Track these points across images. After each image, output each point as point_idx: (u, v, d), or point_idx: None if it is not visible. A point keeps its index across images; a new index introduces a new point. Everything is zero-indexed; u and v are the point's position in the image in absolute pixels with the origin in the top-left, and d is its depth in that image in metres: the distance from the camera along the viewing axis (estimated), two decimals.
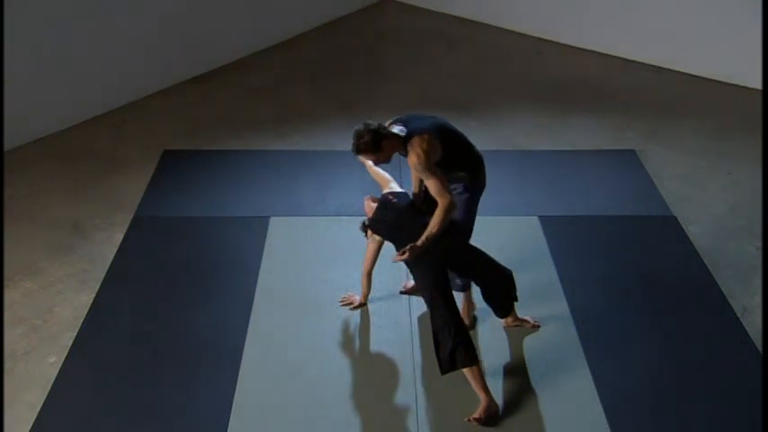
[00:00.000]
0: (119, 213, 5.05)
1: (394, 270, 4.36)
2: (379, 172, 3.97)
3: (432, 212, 3.58)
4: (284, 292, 4.35)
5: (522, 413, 3.60)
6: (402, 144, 3.56)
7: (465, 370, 3.52)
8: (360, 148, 3.57)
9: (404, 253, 3.55)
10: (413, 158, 3.50)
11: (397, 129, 3.57)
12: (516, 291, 3.88)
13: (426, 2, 8.67)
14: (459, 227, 3.78)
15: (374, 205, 3.87)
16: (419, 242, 3.53)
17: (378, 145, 3.54)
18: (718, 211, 5.16)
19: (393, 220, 3.78)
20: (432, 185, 3.51)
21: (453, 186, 3.68)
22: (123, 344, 4.00)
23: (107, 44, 6.15)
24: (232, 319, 4.14)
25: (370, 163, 3.91)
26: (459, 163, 3.70)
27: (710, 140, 6.04)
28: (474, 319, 4.09)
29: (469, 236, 3.88)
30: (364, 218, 3.96)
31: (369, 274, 4.12)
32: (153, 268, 4.53)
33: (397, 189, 3.93)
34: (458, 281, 3.92)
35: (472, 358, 3.51)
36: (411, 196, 3.93)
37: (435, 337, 3.53)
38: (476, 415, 3.50)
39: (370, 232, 3.90)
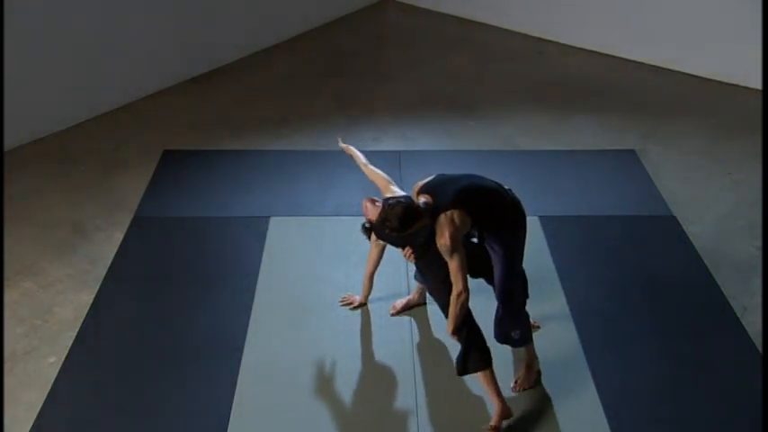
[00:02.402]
0: (119, 213, 5.05)
1: (395, 270, 4.36)
2: (377, 172, 3.83)
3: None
4: (284, 292, 4.36)
5: (521, 413, 3.60)
6: (430, 219, 3.37)
7: (478, 374, 3.50)
8: (383, 228, 3.40)
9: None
10: (440, 241, 3.34)
11: (422, 200, 3.41)
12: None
13: (426, 2, 8.67)
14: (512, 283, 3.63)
15: (371, 207, 3.73)
16: (450, 327, 3.44)
17: (403, 232, 3.36)
18: (719, 211, 5.16)
19: None
20: (451, 267, 3.37)
21: (491, 245, 3.57)
22: (123, 344, 4.00)
23: (107, 44, 6.14)
24: (232, 319, 4.14)
25: (364, 161, 3.86)
26: (494, 217, 3.52)
27: (711, 140, 6.04)
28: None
29: (525, 290, 3.74)
30: (364, 220, 3.90)
31: (371, 277, 4.11)
32: (153, 268, 4.53)
33: (399, 192, 3.74)
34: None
35: (486, 362, 3.49)
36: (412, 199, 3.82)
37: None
38: (492, 423, 3.48)
39: (373, 236, 3.83)
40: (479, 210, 3.44)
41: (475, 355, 3.48)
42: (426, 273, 3.69)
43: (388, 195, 3.64)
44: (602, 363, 3.88)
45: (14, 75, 5.45)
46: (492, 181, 3.60)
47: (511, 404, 3.61)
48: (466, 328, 3.47)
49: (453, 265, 3.35)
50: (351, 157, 3.99)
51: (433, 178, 3.55)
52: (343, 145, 4.08)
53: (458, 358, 3.53)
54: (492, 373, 3.52)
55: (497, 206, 3.53)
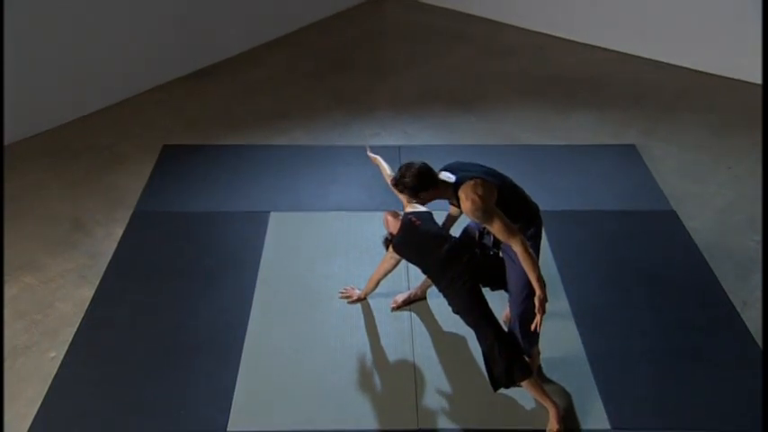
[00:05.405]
0: (119, 209, 5.05)
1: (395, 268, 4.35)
2: None
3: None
4: (284, 286, 4.36)
5: (521, 411, 3.61)
6: (452, 191, 3.29)
7: (524, 382, 3.46)
8: (397, 185, 3.36)
9: (541, 307, 3.24)
10: (467, 205, 3.20)
11: (445, 176, 3.34)
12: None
13: None
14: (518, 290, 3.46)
15: (392, 220, 3.72)
16: (538, 293, 3.20)
17: (416, 193, 3.32)
18: (719, 205, 5.16)
19: (418, 245, 3.64)
20: (496, 230, 3.18)
21: (507, 253, 3.43)
22: (123, 339, 4.00)
23: (106, 40, 6.14)
24: (232, 315, 4.15)
25: (389, 173, 3.82)
26: (514, 211, 3.37)
27: (711, 135, 6.03)
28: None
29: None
30: (386, 233, 3.85)
31: (377, 282, 4.10)
32: (153, 263, 4.54)
33: (420, 208, 3.70)
34: None
35: (529, 368, 3.45)
36: (434, 217, 3.74)
37: (486, 357, 3.45)
38: (555, 428, 3.43)
39: (390, 249, 3.79)
40: (502, 193, 3.32)
41: (519, 365, 3.42)
42: (450, 299, 3.55)
43: (409, 210, 3.62)
44: (601, 357, 3.88)
45: (14, 70, 5.45)
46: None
47: (510, 401, 3.62)
48: (499, 342, 3.41)
49: (497, 225, 3.15)
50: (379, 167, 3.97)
51: (452, 162, 3.49)
52: (371, 155, 4.06)
53: (499, 372, 3.42)
54: (535, 377, 3.48)
55: (519, 197, 3.46)
